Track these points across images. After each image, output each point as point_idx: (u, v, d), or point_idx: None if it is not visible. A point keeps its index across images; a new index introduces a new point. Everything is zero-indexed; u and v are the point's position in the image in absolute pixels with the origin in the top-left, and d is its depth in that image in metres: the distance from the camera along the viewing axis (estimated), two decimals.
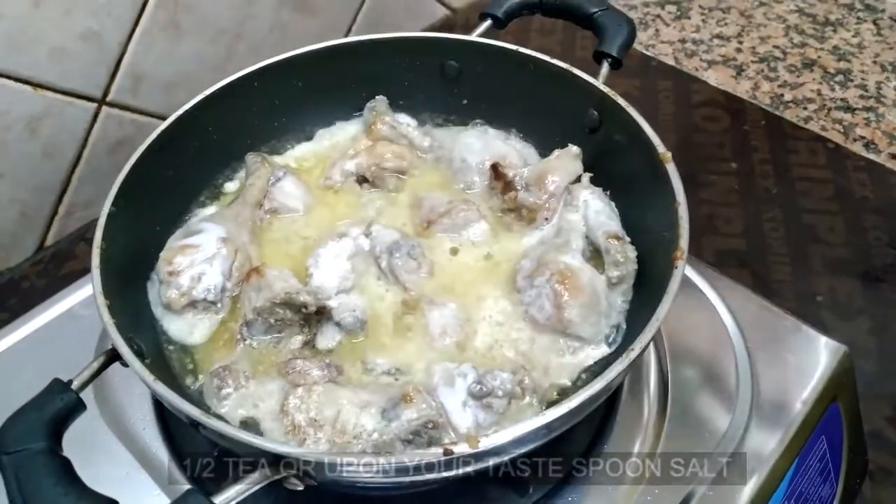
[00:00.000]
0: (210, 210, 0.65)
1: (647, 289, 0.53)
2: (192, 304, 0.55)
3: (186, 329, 0.56)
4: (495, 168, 0.61)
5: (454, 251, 0.61)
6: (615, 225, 0.58)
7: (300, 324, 0.55)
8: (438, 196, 0.63)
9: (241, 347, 0.55)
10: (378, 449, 0.44)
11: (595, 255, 0.58)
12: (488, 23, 0.67)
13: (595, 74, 0.63)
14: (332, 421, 0.46)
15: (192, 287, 0.55)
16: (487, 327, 0.56)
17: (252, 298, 0.55)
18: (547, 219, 0.59)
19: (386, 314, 0.57)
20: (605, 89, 0.59)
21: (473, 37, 0.66)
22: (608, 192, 0.60)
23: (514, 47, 0.63)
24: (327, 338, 0.55)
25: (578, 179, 0.61)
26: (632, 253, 0.56)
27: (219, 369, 0.51)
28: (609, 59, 0.62)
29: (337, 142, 0.70)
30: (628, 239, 0.57)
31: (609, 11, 0.63)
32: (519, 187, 0.60)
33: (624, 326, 0.54)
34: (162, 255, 0.57)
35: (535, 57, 0.62)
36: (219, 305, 0.56)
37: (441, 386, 0.49)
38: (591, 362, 0.52)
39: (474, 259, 0.60)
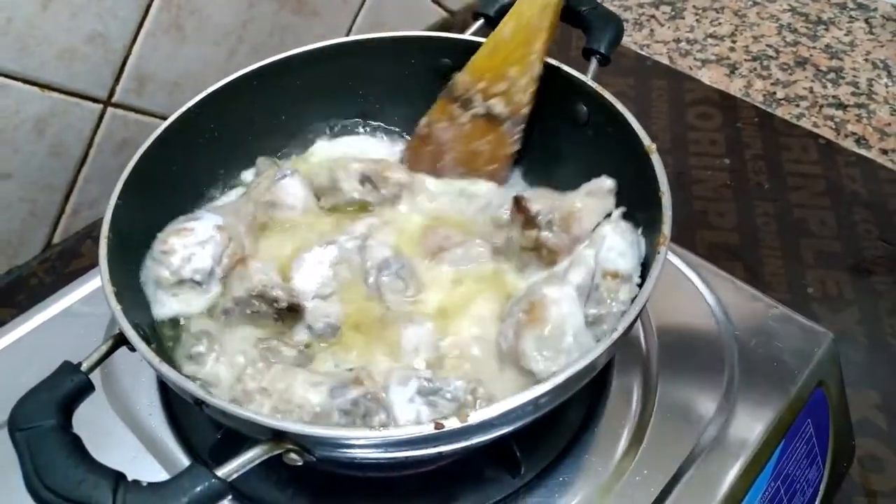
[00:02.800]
0: (216, 203, 0.67)
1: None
2: (180, 283, 0.57)
3: (176, 308, 0.58)
4: (518, 201, 0.58)
5: (456, 281, 0.60)
6: (623, 263, 0.53)
7: (274, 318, 0.57)
8: (454, 231, 0.62)
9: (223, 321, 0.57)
10: (316, 419, 0.46)
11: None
12: (481, 22, 0.69)
13: (587, 72, 0.65)
14: (280, 392, 0.48)
15: (181, 267, 0.57)
16: (459, 351, 0.55)
17: (234, 287, 0.57)
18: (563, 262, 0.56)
19: (363, 324, 0.57)
20: (593, 84, 0.61)
21: (467, 36, 0.68)
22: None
23: None
24: (299, 335, 0.57)
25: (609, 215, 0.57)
26: (624, 295, 0.52)
27: (199, 331, 0.54)
28: (597, 56, 0.64)
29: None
30: (637, 280, 0.53)
31: (598, 9, 0.65)
32: (542, 226, 0.56)
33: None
34: (159, 235, 0.59)
35: None
36: (204, 287, 0.58)
37: (394, 384, 0.49)
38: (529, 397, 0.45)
39: (473, 291, 0.59)
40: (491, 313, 0.56)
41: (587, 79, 0.62)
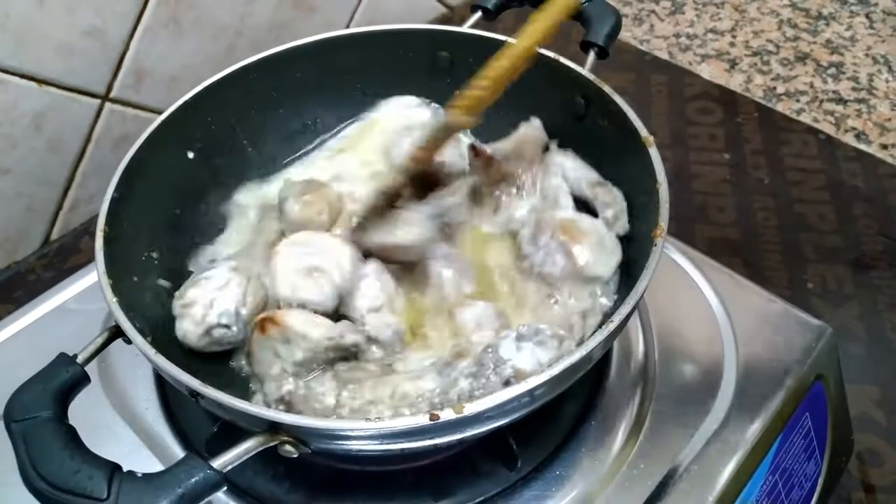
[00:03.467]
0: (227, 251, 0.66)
1: (631, 268, 0.55)
2: (209, 333, 0.55)
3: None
4: (474, 147, 0.64)
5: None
6: (595, 175, 0.62)
7: (341, 357, 0.54)
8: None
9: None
10: (443, 398, 0.47)
11: (582, 209, 0.62)
12: (479, 14, 0.69)
13: (585, 65, 0.64)
14: (389, 396, 0.47)
15: (206, 314, 0.55)
16: (515, 311, 0.57)
17: (285, 354, 0.52)
18: (534, 184, 0.62)
19: (420, 322, 0.58)
20: (591, 77, 0.61)
21: (464, 28, 0.68)
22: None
23: (503, 38, 0.65)
24: (370, 353, 0.55)
25: (547, 149, 0.64)
26: (617, 193, 0.60)
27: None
28: (595, 49, 0.64)
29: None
30: (609, 184, 0.61)
31: (596, 2, 0.65)
32: (500, 160, 0.63)
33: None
34: (175, 293, 0.57)
35: None
36: (234, 329, 0.55)
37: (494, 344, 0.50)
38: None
39: (481, 252, 0.62)
40: (505, 263, 0.60)
41: (585, 71, 0.62)
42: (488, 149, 0.64)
